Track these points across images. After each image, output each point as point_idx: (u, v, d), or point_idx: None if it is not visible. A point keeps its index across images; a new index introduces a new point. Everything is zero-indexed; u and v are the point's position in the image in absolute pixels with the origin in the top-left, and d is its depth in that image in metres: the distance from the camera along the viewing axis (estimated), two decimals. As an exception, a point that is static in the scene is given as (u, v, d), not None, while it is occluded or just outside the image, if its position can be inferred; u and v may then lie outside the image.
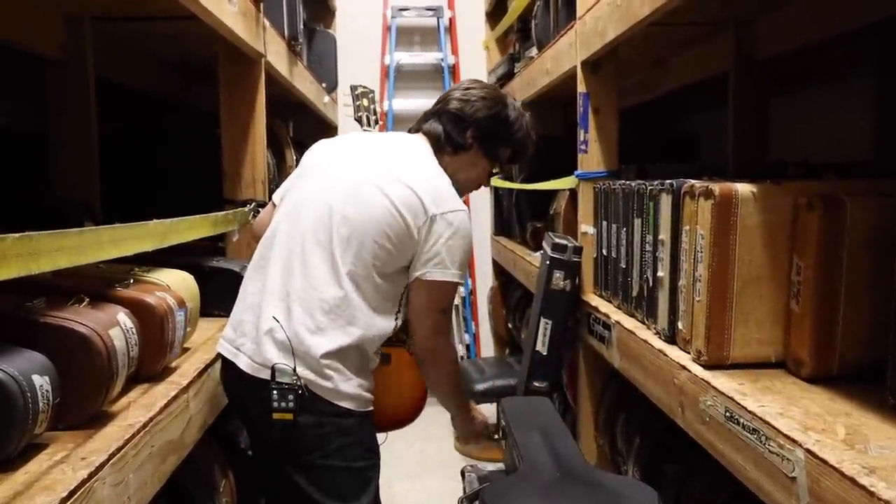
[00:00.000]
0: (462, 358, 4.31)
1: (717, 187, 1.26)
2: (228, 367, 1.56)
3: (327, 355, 1.49)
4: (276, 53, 2.22)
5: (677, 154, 3.23)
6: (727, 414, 1.17)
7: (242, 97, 2.02)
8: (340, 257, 1.53)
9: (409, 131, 1.82)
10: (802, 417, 1.04)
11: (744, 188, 1.26)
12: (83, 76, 1.99)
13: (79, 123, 1.99)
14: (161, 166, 2.65)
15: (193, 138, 2.64)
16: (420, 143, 1.74)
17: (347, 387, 1.53)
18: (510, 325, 4.09)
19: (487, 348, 4.53)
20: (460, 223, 1.59)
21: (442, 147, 1.73)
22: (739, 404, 1.13)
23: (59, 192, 2.00)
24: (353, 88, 2.05)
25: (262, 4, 2.02)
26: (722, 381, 1.24)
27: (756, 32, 2.11)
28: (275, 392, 1.47)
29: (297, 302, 1.52)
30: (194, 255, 1.96)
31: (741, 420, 1.12)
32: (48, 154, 2.01)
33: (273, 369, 1.48)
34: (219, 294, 1.85)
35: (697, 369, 1.32)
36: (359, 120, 2.01)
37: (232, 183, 2.03)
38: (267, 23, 2.10)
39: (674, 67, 2.69)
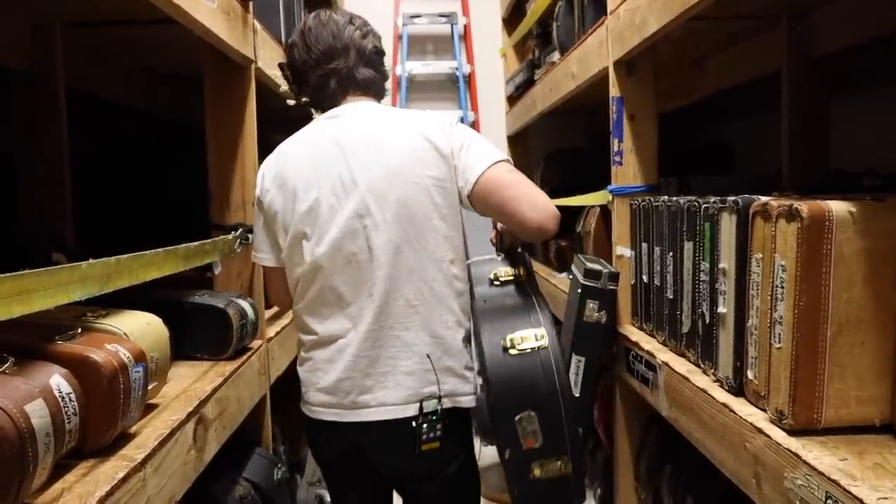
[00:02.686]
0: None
1: (804, 206, 0.99)
2: (334, 428, 1.52)
3: (464, 346, 1.55)
4: (270, 60, 1.99)
5: (710, 165, 2.97)
6: (829, 501, 0.90)
7: (230, 109, 1.78)
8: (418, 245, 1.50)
9: (327, 94, 1.64)
10: (947, 519, 0.77)
11: (839, 207, 0.99)
12: (52, 89, 1.76)
13: (48, 141, 1.76)
14: (153, 189, 2.43)
15: (189, 157, 2.42)
16: (370, 104, 1.62)
17: (474, 377, 1.54)
18: (533, 350, 3.82)
19: (509, 374, 4.25)
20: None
21: (380, 94, 1.68)
22: (849, 492, 0.86)
23: (26, 219, 1.77)
24: (284, 67, 1.72)
25: (251, 5, 1.79)
26: (816, 453, 0.97)
27: (813, 26, 1.84)
28: (424, 426, 1.46)
29: (412, 314, 1.49)
30: (178, 288, 1.72)
31: (852, 514, 0.85)
32: (13, 177, 1.79)
33: (421, 404, 1.46)
34: (202, 334, 1.62)
35: (779, 434, 1.05)
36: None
37: (219, 205, 1.80)
38: (258, 25, 1.87)
39: (713, 69, 2.42)
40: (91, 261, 0.91)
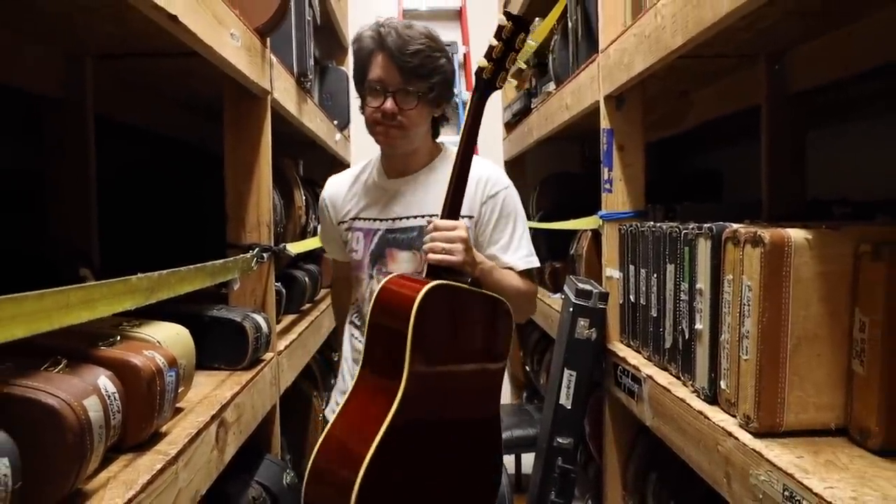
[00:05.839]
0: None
1: (766, 233, 1.13)
2: None
3: None
4: (283, 90, 2.13)
5: (699, 192, 3.11)
6: (786, 493, 1.02)
7: (247, 136, 1.91)
8: None
9: None
10: (881, 504, 0.90)
11: (797, 234, 1.13)
12: (82, 116, 1.90)
13: (76, 165, 1.89)
14: (171, 210, 2.56)
15: (205, 180, 2.55)
16: None
17: None
18: (528, 368, 3.94)
19: (504, 392, 4.37)
20: None
21: None
22: (801, 483, 0.98)
23: (54, 238, 1.89)
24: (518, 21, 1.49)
25: (268, 40, 1.93)
26: (777, 452, 1.10)
27: (789, 64, 1.99)
28: None
29: None
30: (195, 303, 1.84)
31: (804, 502, 0.97)
32: (44, 197, 1.91)
33: None
34: (220, 346, 1.73)
35: (746, 437, 1.18)
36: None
37: (236, 227, 1.92)
38: (274, 59, 2.01)
39: (699, 101, 2.57)
40: (140, 275, 1.03)
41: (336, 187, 1.82)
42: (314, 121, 2.76)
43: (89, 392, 0.99)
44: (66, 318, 0.82)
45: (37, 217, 1.91)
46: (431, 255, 1.45)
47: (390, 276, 1.47)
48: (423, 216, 1.64)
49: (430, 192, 1.65)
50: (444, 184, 1.52)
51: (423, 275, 1.45)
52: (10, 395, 0.91)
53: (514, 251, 1.61)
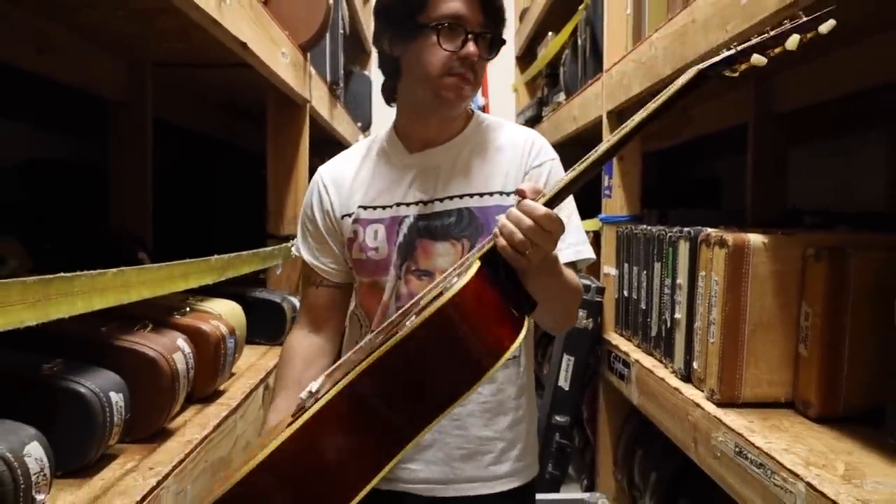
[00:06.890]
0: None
1: (730, 237, 1.36)
2: None
3: None
4: (318, 98, 2.37)
5: (700, 197, 3.33)
6: (736, 449, 1.25)
7: (288, 139, 2.16)
8: None
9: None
10: (806, 454, 1.12)
11: (755, 238, 1.35)
12: (143, 118, 2.14)
13: (136, 162, 2.13)
14: (201, 201, 2.80)
15: (234, 176, 2.79)
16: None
17: None
18: (533, 361, 4.16)
19: (510, 383, 4.59)
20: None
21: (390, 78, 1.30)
22: (748, 440, 1.21)
23: (115, 223, 2.14)
24: None
25: (308, 54, 2.17)
26: (733, 418, 1.32)
27: (775, 87, 2.21)
28: None
29: None
30: (238, 285, 2.08)
31: (749, 455, 1.20)
32: (105, 187, 2.16)
33: None
34: (261, 323, 1.97)
35: (710, 407, 1.40)
36: None
37: (275, 219, 2.16)
38: (313, 70, 2.25)
39: (695, 116, 2.79)
40: (216, 256, 1.27)
41: (339, 169, 1.33)
42: (342, 124, 3.00)
43: (176, 348, 1.23)
44: (172, 286, 1.06)
45: (100, 206, 2.16)
46: (506, 248, 0.98)
47: (464, 282, 0.92)
48: (462, 196, 1.25)
49: (470, 165, 1.27)
50: (484, 155, 1.26)
51: (470, 256, 1.05)
52: (120, 347, 1.16)
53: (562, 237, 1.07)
